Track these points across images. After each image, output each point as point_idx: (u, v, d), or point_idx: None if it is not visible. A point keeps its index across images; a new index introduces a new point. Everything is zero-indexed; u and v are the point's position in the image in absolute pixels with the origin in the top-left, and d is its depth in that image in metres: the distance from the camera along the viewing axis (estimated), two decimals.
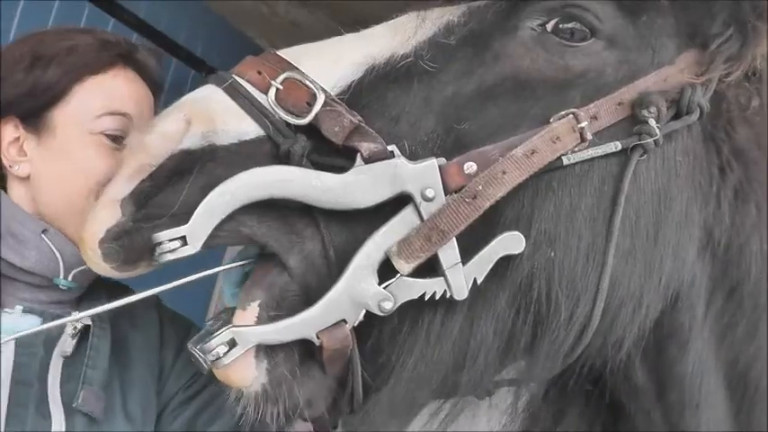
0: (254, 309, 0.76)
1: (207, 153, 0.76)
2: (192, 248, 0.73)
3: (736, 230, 0.95)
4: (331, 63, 0.83)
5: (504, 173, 0.77)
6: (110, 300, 1.17)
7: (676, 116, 0.88)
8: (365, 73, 0.83)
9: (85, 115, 1.14)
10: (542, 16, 0.86)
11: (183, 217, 0.74)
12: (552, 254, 0.82)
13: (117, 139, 1.16)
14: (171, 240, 0.72)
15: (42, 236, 1.13)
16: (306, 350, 0.78)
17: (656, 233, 0.88)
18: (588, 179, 0.84)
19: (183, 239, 0.72)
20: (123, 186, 0.77)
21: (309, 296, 0.77)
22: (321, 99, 0.77)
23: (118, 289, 1.21)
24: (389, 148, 0.77)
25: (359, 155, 0.76)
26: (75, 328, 1.12)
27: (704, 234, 0.94)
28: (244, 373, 0.76)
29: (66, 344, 1.12)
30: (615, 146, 0.85)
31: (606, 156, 0.84)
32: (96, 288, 1.21)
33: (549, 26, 0.86)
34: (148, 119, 1.19)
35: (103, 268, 0.77)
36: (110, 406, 1.15)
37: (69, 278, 1.14)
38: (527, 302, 0.83)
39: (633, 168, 0.84)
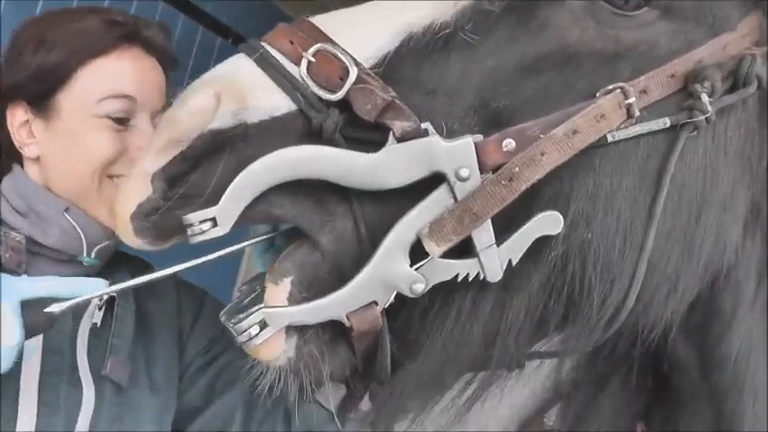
0: (286, 285, 0.76)
1: (238, 132, 0.74)
2: (222, 230, 0.72)
3: None
4: (366, 32, 0.80)
5: (542, 154, 0.73)
6: (131, 273, 1.22)
7: (732, 88, 0.83)
8: (402, 43, 0.79)
9: (89, 99, 1.15)
10: None
11: (214, 198, 0.73)
12: (589, 235, 0.79)
13: (122, 121, 1.17)
14: (201, 222, 0.72)
15: (65, 214, 1.16)
16: (335, 328, 0.78)
17: (698, 213, 0.84)
18: (632, 157, 0.80)
19: (213, 221, 0.72)
20: (154, 161, 0.77)
21: (341, 275, 0.76)
22: (354, 74, 0.74)
23: (137, 261, 1.26)
24: (423, 125, 0.74)
25: (391, 133, 0.73)
26: (102, 299, 1.15)
27: (752, 212, 0.90)
28: (273, 348, 0.77)
29: (95, 315, 1.16)
30: (664, 122, 0.80)
31: (653, 132, 0.80)
32: (118, 261, 1.25)
33: None
34: (159, 95, 1.22)
35: (136, 242, 0.78)
36: (135, 374, 1.19)
37: (93, 255, 1.17)
38: (561, 284, 0.80)
39: (681, 146, 0.80)
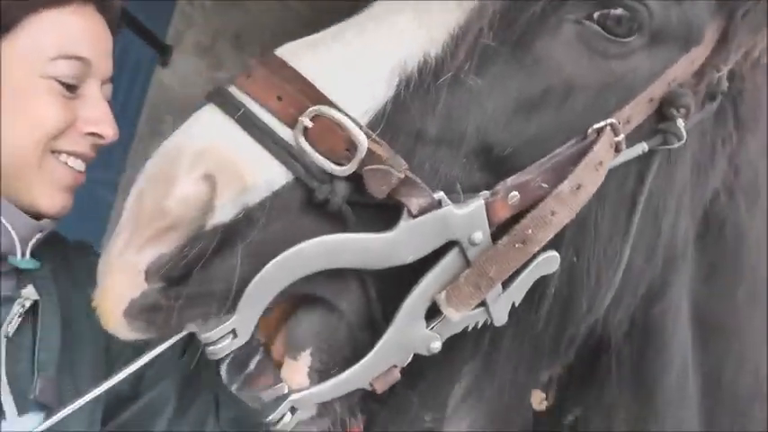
0: (305, 359, 0.75)
1: (242, 220, 0.68)
2: (242, 341, 0.69)
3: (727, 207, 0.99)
4: (360, 80, 0.72)
5: (552, 214, 0.75)
6: (54, 269, 1.09)
7: (701, 104, 0.87)
8: (398, 90, 0.73)
9: (38, 55, 0.99)
10: (583, 7, 0.77)
11: (224, 298, 0.68)
12: (575, 259, 0.84)
13: (72, 88, 1.02)
14: (217, 348, 0.68)
15: None
16: None
17: (658, 218, 0.91)
18: (612, 182, 0.83)
19: (233, 332, 0.68)
20: (142, 253, 0.68)
21: (356, 339, 0.76)
22: (363, 149, 0.68)
23: (66, 255, 1.13)
24: (437, 196, 0.71)
25: (406, 210, 0.70)
26: (24, 306, 1.02)
27: (694, 214, 0.98)
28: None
29: (12, 324, 1.01)
30: (642, 148, 0.83)
31: (630, 160, 0.83)
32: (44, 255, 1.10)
33: (596, 15, 0.77)
34: (110, 61, 1.09)
35: (131, 336, 0.72)
36: (62, 390, 1.04)
37: (27, 255, 1.03)
38: (549, 303, 0.86)
39: (650, 178, 0.85)
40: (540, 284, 0.82)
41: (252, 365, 0.77)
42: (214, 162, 0.68)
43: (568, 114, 0.78)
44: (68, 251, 1.21)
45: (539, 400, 1.19)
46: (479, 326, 0.80)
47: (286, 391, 0.73)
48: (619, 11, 0.77)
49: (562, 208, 0.75)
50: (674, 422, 1.04)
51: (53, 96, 1.00)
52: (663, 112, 0.83)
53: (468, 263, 0.74)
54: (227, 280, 0.67)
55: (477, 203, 0.73)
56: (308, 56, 0.73)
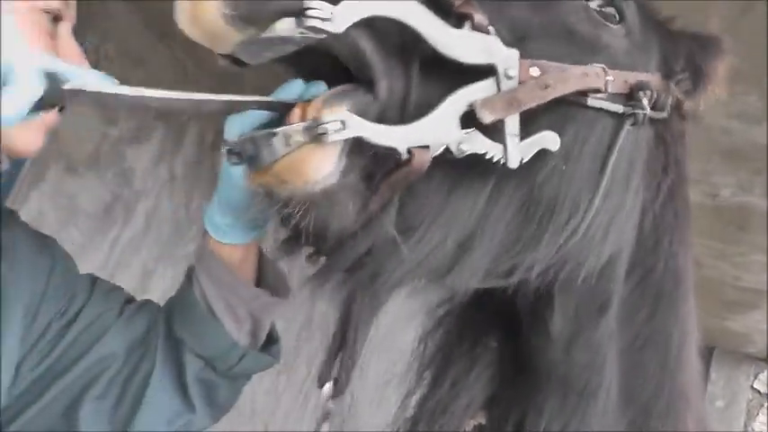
0: (341, 111, 0.81)
1: None
2: (336, 27, 0.77)
3: (660, 224, 1.20)
4: None
5: (565, 78, 0.95)
6: None
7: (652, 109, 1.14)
8: None
9: None
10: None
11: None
12: (564, 167, 1.00)
13: (57, 20, 1.11)
14: (319, 16, 0.75)
15: None
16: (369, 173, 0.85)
17: (624, 191, 1.10)
18: (596, 123, 1.04)
19: (329, 20, 0.77)
20: None
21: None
22: None
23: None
24: (490, 28, 0.91)
25: (468, 21, 0.89)
26: None
27: (639, 218, 1.19)
28: (324, 164, 0.81)
29: None
30: (618, 108, 1.07)
31: (610, 113, 1.06)
32: None
33: (594, 4, 1.09)
34: (72, 9, 1.17)
35: (211, 15, 0.74)
36: None
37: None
38: (537, 201, 0.99)
39: (624, 132, 1.07)
40: (540, 169, 0.97)
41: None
42: None
43: (574, 45, 1.03)
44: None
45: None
46: (495, 160, 0.90)
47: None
48: (608, 10, 1.10)
49: (572, 78, 0.96)
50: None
51: (41, 32, 1.09)
52: (633, 96, 1.09)
53: (500, 90, 0.90)
54: None
55: (515, 51, 0.92)
56: None
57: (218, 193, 1.14)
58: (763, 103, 2.35)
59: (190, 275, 1.26)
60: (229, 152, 0.94)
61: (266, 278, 1.28)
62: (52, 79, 0.80)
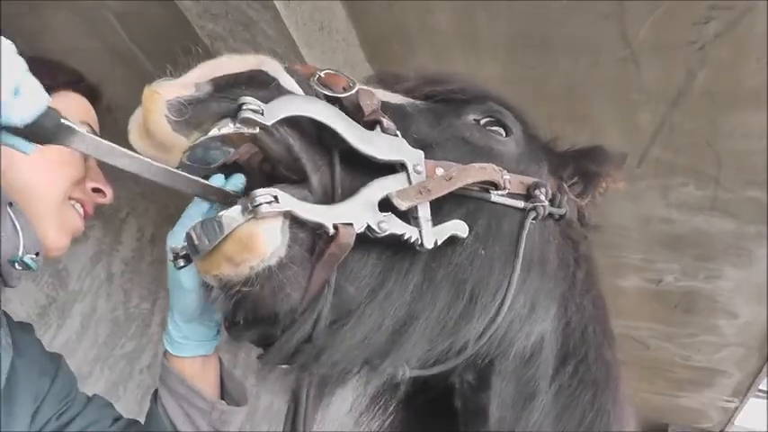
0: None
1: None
2: (267, 121, 0.90)
3: (583, 314, 1.32)
4: None
5: (466, 171, 1.10)
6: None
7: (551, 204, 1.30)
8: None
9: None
10: (479, 114, 1.28)
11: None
12: (482, 251, 1.12)
13: None
14: (252, 108, 0.89)
15: (8, 209, 1.14)
16: (310, 246, 0.94)
17: (542, 274, 1.23)
18: (503, 216, 1.18)
19: (261, 114, 0.90)
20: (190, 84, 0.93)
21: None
22: (357, 86, 1.07)
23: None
24: (397, 132, 1.07)
25: (379, 125, 1.04)
26: None
27: (561, 305, 1.30)
28: (270, 237, 0.89)
29: None
30: (519, 204, 1.22)
31: (513, 208, 1.21)
32: None
33: (483, 122, 1.28)
34: None
35: (161, 125, 0.87)
36: None
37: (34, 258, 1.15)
38: (462, 281, 1.10)
39: (529, 222, 1.21)
40: (457, 252, 1.09)
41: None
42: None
43: (470, 154, 1.19)
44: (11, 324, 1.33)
45: None
46: (412, 240, 1.02)
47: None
48: (495, 128, 1.28)
49: (474, 173, 1.11)
50: None
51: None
52: (530, 195, 1.25)
53: (410, 183, 1.04)
54: (260, 97, 0.92)
55: (421, 152, 1.08)
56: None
57: (171, 306, 1.23)
58: (703, 192, 2.55)
59: (155, 391, 1.35)
60: (176, 257, 1.03)
61: (227, 387, 1.35)
62: (53, 113, 0.86)
